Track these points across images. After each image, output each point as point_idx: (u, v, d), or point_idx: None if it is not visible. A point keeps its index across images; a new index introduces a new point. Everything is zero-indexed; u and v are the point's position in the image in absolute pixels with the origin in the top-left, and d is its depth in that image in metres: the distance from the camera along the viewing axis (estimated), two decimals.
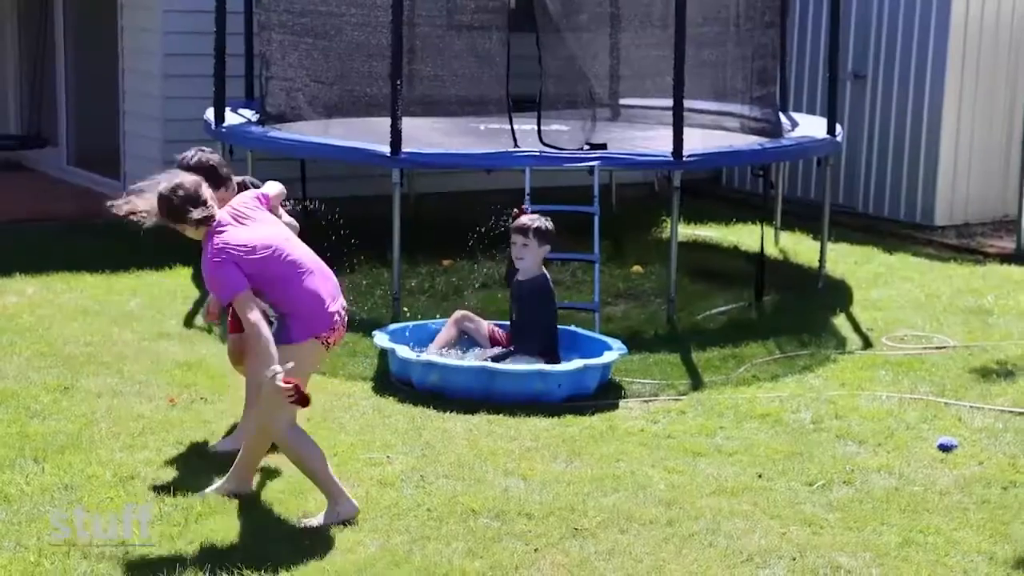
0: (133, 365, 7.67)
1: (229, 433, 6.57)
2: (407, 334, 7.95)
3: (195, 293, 9.37)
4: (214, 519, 5.56)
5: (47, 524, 5.45)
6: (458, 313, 7.99)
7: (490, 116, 10.59)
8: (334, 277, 5.79)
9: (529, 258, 7.79)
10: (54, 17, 13.49)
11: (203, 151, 6.28)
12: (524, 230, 7.78)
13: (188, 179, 5.57)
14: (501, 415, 7.00)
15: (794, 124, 10.71)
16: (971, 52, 12.35)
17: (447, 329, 7.90)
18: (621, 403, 7.37)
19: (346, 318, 5.78)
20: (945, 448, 6.69)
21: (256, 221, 5.64)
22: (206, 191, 5.57)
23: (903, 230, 12.38)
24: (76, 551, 5.23)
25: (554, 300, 7.91)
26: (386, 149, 8.80)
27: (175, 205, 5.47)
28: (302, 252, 5.71)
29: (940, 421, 7.15)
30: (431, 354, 7.63)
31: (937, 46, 12.28)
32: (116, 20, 12.37)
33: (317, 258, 5.77)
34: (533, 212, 8.45)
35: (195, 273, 9.84)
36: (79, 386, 7.26)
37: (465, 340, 7.89)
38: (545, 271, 7.89)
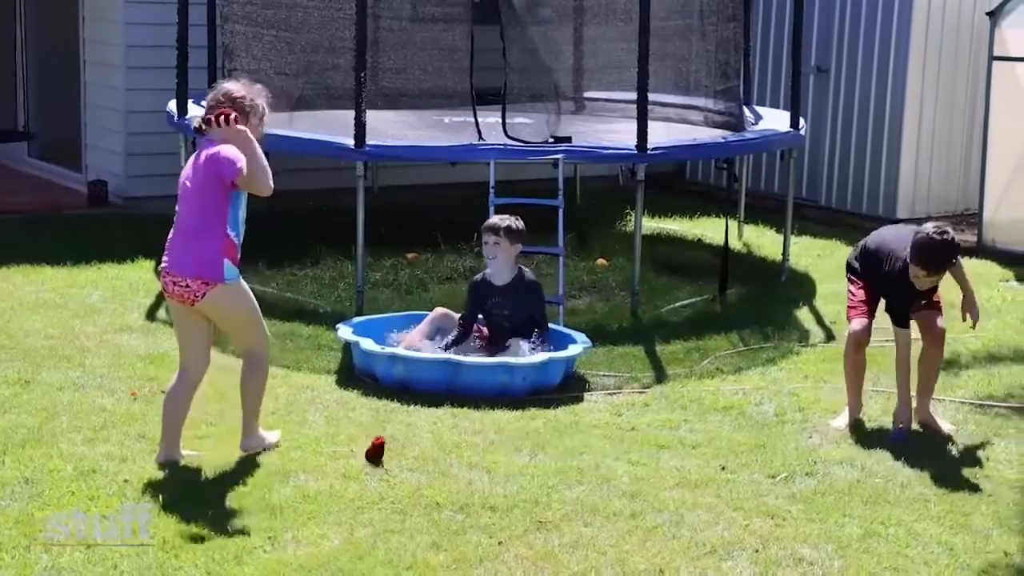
0: (94, 358, 7.62)
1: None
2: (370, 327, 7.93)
3: (156, 287, 9.29)
4: (176, 512, 5.53)
5: (7, 518, 5.42)
6: (438, 311, 7.94)
7: (454, 109, 10.58)
8: (180, 239, 6.06)
9: (501, 257, 7.77)
10: (15, 9, 13.39)
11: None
12: (495, 229, 7.77)
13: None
14: (465, 408, 6.99)
15: (758, 117, 10.75)
16: (933, 46, 12.42)
17: (425, 325, 7.85)
18: (585, 396, 7.38)
19: (171, 287, 6.06)
20: (897, 439, 6.73)
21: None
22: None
23: (865, 223, 12.39)
24: (37, 545, 5.20)
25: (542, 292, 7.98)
26: (350, 142, 8.78)
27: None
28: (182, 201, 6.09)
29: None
30: (401, 347, 7.62)
31: (899, 40, 12.35)
32: (77, 11, 12.29)
33: (184, 217, 6.06)
34: (497, 206, 8.46)
35: (157, 266, 9.78)
36: (40, 379, 7.21)
37: (439, 338, 7.83)
38: (523, 267, 7.92)
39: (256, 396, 6.30)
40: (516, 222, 7.83)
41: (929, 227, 6.61)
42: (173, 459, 6.10)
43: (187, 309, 6.05)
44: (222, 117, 5.95)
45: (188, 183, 6.03)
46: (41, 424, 6.51)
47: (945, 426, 6.95)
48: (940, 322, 7.01)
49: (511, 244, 7.79)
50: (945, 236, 6.55)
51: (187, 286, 5.98)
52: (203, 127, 6.07)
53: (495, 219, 7.87)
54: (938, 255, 6.58)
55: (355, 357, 7.63)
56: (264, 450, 6.27)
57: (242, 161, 5.86)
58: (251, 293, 6.21)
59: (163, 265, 6.10)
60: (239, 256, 6.07)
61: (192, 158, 6.11)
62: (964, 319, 7.09)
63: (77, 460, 6.06)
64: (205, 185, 5.95)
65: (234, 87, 6.16)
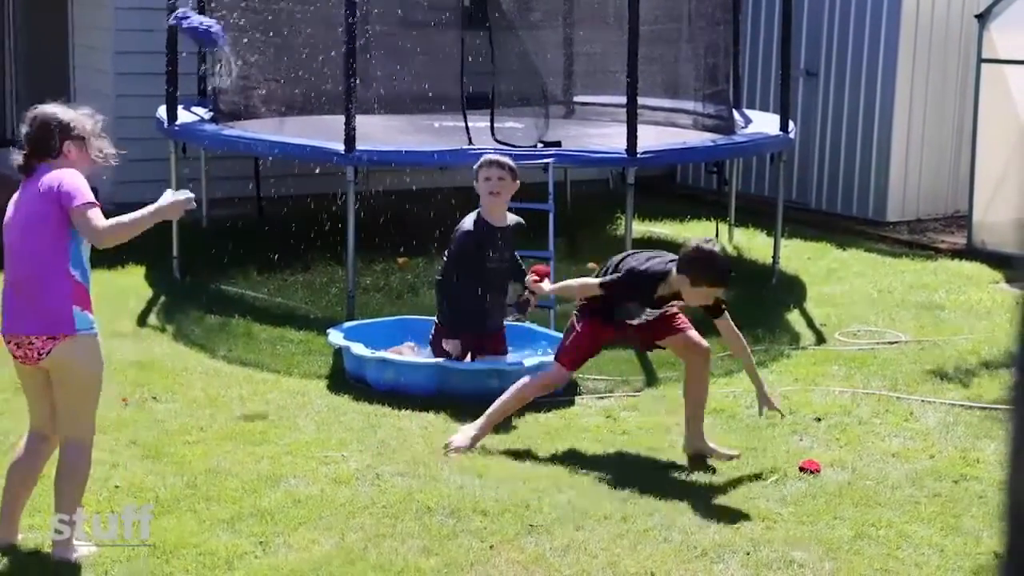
0: None
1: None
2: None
3: (148, 292, 9.32)
4: (167, 518, 5.53)
5: None
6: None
7: (444, 113, 10.59)
8: (16, 294, 5.13)
9: (505, 195, 7.53)
10: (4, 15, 13.38)
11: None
12: (502, 164, 7.47)
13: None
14: (456, 413, 6.99)
15: (747, 121, 10.76)
16: (922, 49, 12.45)
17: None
18: (576, 400, 7.39)
19: (16, 350, 5.12)
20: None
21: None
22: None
23: (856, 226, 12.47)
24: (31, 552, 5.20)
25: None
26: (340, 146, 8.77)
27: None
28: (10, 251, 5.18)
29: (892, 415, 7.21)
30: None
31: (888, 43, 12.38)
32: (67, 18, 12.28)
33: (16, 268, 5.14)
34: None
35: (148, 271, 9.80)
36: None
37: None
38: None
39: (76, 493, 5.19)
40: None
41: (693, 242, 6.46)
42: (8, 541, 5.21)
43: (33, 370, 5.15)
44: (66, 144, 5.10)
45: (15, 229, 5.13)
46: None
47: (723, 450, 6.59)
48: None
49: (513, 182, 7.53)
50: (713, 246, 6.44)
51: (31, 344, 5.05)
52: (30, 163, 5.21)
53: (495, 156, 7.60)
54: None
55: (346, 362, 7.63)
56: (73, 558, 5.14)
57: (88, 193, 5.00)
58: (102, 361, 5.20)
59: (3, 328, 5.18)
60: (90, 301, 5.14)
61: (15, 200, 5.23)
62: (762, 413, 6.62)
63: None
64: (41, 222, 5.04)
65: (57, 112, 5.23)
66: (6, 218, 5.23)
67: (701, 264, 6.26)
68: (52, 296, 5.04)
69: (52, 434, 5.25)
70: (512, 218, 7.69)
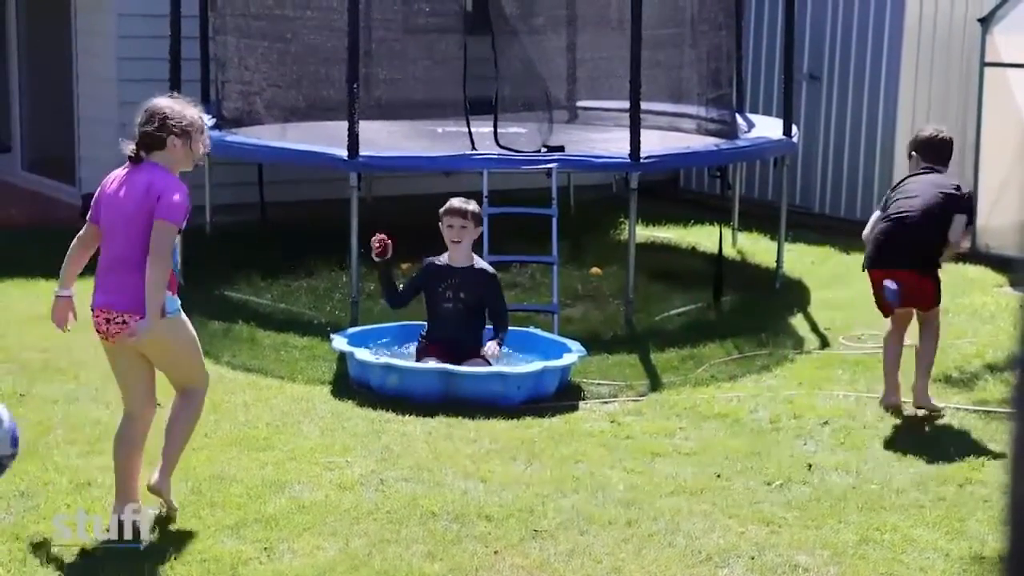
0: (89, 371, 7.61)
1: None
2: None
3: None
4: (172, 523, 5.53)
5: (3, 532, 5.41)
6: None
7: (447, 119, 10.59)
8: (114, 273, 5.47)
9: (467, 241, 7.70)
10: (7, 21, 13.39)
11: None
12: (463, 212, 7.67)
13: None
14: (460, 418, 6.99)
15: (750, 125, 10.76)
16: (925, 53, 12.45)
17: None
18: (580, 405, 7.38)
19: (105, 325, 5.46)
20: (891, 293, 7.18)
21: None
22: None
23: (859, 230, 12.40)
24: (33, 558, 5.20)
25: None
26: (343, 152, 8.78)
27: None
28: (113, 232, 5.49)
29: (896, 420, 7.20)
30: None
31: (891, 48, 12.38)
32: (70, 24, 12.30)
33: (117, 248, 5.46)
34: (491, 215, 8.46)
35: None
36: (35, 392, 7.21)
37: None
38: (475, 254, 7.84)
39: (183, 436, 5.67)
40: (476, 205, 7.80)
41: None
42: (129, 500, 5.49)
43: (124, 348, 5.48)
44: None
45: (121, 211, 5.43)
46: (36, 437, 6.50)
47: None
48: None
49: (476, 228, 7.74)
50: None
51: (124, 322, 5.39)
52: (139, 154, 5.51)
53: (458, 202, 7.73)
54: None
55: (350, 367, 7.63)
56: (161, 506, 5.59)
57: (187, 210, 5.42)
58: (192, 328, 5.64)
59: (94, 302, 5.50)
60: (176, 286, 5.52)
61: (121, 180, 5.51)
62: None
63: (72, 472, 6.06)
64: (146, 216, 5.36)
65: (167, 106, 5.53)
66: (109, 193, 5.53)
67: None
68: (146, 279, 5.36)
69: (145, 409, 5.63)
70: (480, 264, 7.78)
